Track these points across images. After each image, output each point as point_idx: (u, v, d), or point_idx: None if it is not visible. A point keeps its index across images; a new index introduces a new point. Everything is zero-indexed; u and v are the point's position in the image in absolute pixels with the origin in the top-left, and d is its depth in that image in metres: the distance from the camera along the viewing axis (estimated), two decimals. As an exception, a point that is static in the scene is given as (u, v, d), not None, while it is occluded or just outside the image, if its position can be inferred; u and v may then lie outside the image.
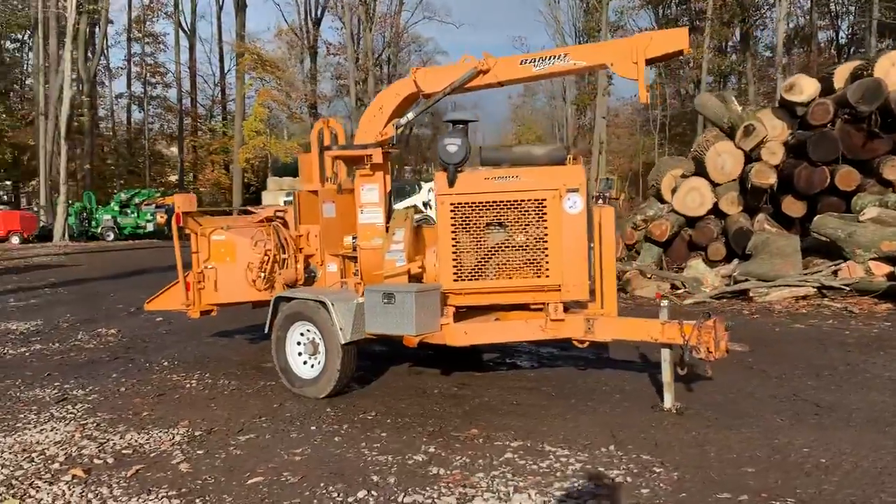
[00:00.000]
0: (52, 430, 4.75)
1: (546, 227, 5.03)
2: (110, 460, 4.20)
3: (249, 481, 3.83)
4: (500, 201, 5.05)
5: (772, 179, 10.59)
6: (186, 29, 55.80)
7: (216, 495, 3.66)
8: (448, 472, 3.84)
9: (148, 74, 58.87)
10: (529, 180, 5.07)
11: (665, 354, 4.87)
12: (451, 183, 5.07)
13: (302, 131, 42.00)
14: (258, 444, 4.43)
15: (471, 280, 5.12)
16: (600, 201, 31.14)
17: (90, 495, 3.71)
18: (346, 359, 5.21)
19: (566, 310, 5.23)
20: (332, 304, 5.15)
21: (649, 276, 10.56)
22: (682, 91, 50.27)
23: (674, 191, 11.78)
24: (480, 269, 5.10)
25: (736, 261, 10.58)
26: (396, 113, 5.53)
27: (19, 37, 51.64)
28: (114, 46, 56.70)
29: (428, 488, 3.64)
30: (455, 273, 5.11)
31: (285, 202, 7.68)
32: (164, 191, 46.21)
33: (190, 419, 4.94)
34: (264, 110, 38.72)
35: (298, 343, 5.48)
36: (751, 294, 9.28)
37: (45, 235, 29.38)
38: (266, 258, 6.04)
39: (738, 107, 12.37)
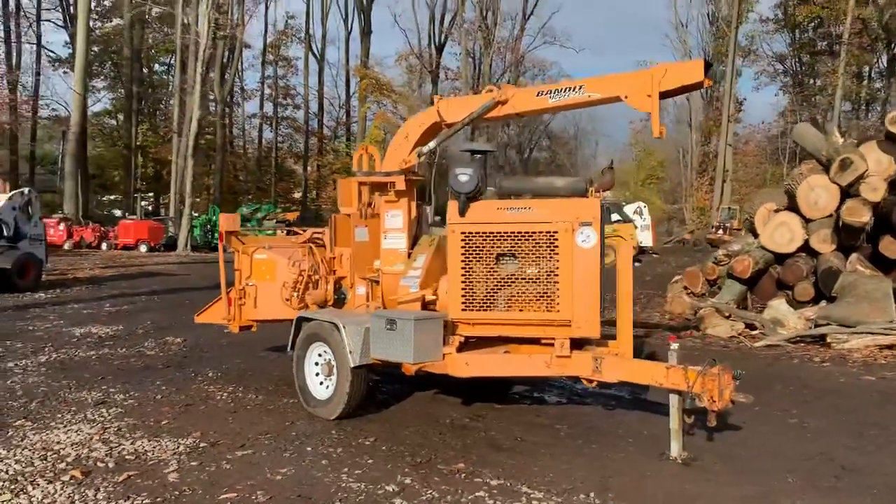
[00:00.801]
0: (76, 432, 5.07)
1: (557, 261, 4.92)
2: (112, 465, 4.44)
3: (221, 496, 3.95)
4: (512, 232, 4.99)
5: (865, 217, 9.83)
6: (317, 54, 58.44)
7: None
8: (411, 506, 3.81)
9: (279, 96, 62.21)
10: (542, 212, 4.98)
11: (673, 400, 4.63)
12: (462, 212, 5.06)
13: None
14: (251, 460, 4.55)
15: (480, 310, 5.07)
16: (720, 231, 29.93)
17: (76, 496, 3.94)
18: (355, 382, 5.27)
19: (581, 347, 5.09)
20: (344, 327, 5.23)
21: (727, 314, 10.04)
22: (818, 118, 47.71)
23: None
24: (490, 299, 5.05)
25: (823, 303, 9.88)
26: (421, 141, 5.58)
27: (166, 60, 55.57)
28: (248, 69, 59.92)
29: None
30: (464, 302, 5.07)
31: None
32: (286, 206, 48.43)
33: (203, 430, 5.14)
34: (380, 132, 39.81)
35: (316, 363, 5.59)
36: (828, 340, 8.63)
37: (171, 245, 31.37)
38: (300, 278, 6.22)
39: (838, 138, 11.58)
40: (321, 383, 5.56)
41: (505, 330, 5.14)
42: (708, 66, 4.62)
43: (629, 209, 26.06)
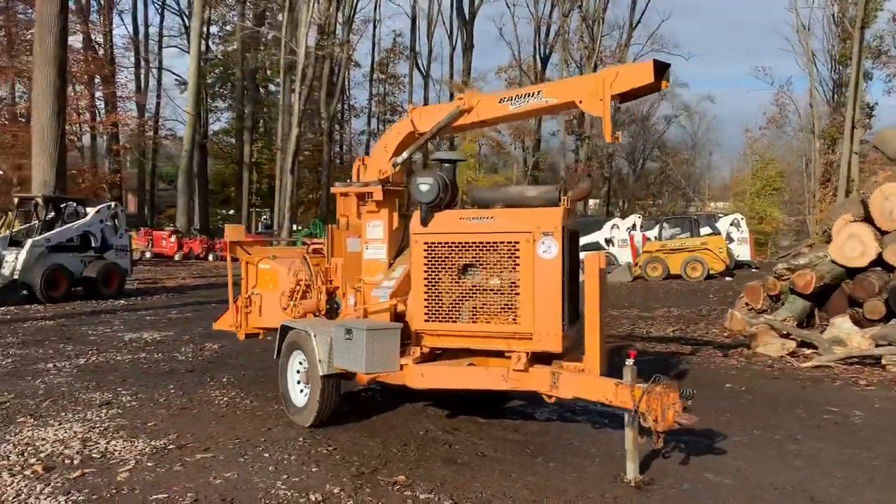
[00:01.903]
0: (66, 430, 5.37)
1: (518, 272, 4.78)
2: (77, 462, 4.67)
3: (153, 496, 4.07)
4: (474, 242, 4.90)
5: (939, 229, 8.97)
6: (422, 70, 59.45)
7: (111, 505, 3.94)
8: (317, 515, 3.80)
9: (386, 112, 63.87)
10: (504, 222, 4.87)
11: (626, 419, 4.38)
12: (424, 222, 5.01)
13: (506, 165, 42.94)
14: (204, 463, 4.66)
15: (443, 321, 4.99)
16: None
17: (24, 489, 4.18)
18: (325, 390, 5.31)
19: (550, 361, 4.92)
20: (315, 336, 5.28)
21: (784, 332, 9.40)
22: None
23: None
24: (453, 311, 4.96)
25: (894, 321, 9.06)
26: (398, 151, 5.58)
27: (279, 80, 58.11)
28: (356, 88, 61.65)
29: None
30: (426, 313, 5.01)
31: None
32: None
33: (181, 433, 5.32)
34: (473, 145, 40.04)
35: (298, 371, 5.67)
36: (884, 362, 7.91)
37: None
38: (297, 287, 6.33)
39: (921, 143, 10.65)
40: (301, 391, 5.64)
41: (469, 342, 5.03)
42: (661, 66, 4.36)
43: (725, 221, 24.90)
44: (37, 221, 14.48)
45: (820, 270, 10.09)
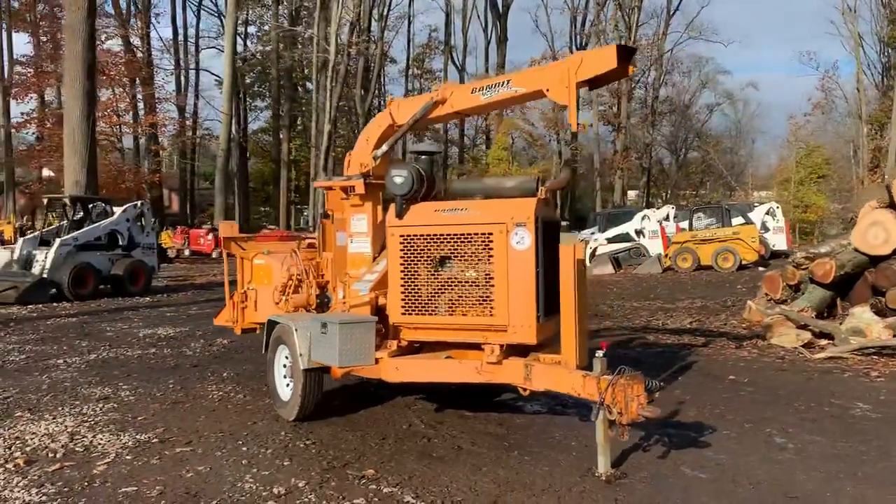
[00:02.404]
0: (58, 424, 5.48)
1: (492, 263, 4.73)
2: (59, 455, 4.77)
3: (123, 489, 4.13)
4: (449, 234, 4.86)
5: (962, 214, 8.61)
6: (458, 64, 59.33)
7: (81, 498, 4.00)
8: (276, 508, 3.81)
9: None
10: (477, 213, 4.81)
11: (593, 412, 4.30)
12: (399, 215, 4.98)
13: (543, 158, 42.60)
14: (182, 457, 4.71)
15: (420, 314, 4.96)
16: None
17: (1, 481, 4.27)
18: (307, 384, 5.31)
19: (527, 354, 4.85)
20: (296, 330, 5.30)
21: (802, 323, 9.13)
22: None
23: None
24: (430, 303, 4.93)
25: (916, 311, 8.74)
26: (379, 144, 5.54)
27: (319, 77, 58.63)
28: (391, 84, 61.83)
29: (238, 520, 3.65)
30: (403, 306, 4.99)
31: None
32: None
33: (167, 427, 5.39)
34: (506, 138, 39.79)
35: (284, 366, 5.70)
36: (899, 352, 7.64)
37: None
38: (289, 282, 6.36)
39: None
40: (287, 385, 5.66)
41: (447, 335, 4.99)
42: (627, 51, 4.24)
43: (760, 210, 24.35)
44: (65, 221, 14.84)
45: (840, 259, 9.79)
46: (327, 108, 32.02)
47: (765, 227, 23.53)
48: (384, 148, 5.43)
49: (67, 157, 17.00)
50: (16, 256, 14.02)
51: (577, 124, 4.31)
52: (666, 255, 21.62)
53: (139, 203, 16.14)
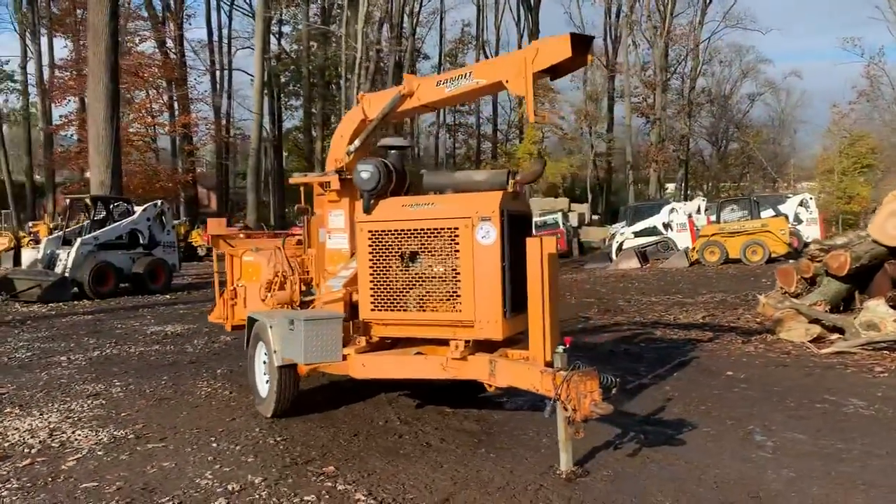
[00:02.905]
0: (42, 420, 5.57)
1: (458, 259, 4.67)
2: (35, 451, 4.84)
3: (84, 485, 4.17)
4: (416, 229, 4.81)
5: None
6: (490, 57, 59.05)
7: (41, 493, 4.05)
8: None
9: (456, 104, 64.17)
10: (444, 208, 4.76)
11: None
12: (367, 210, 4.95)
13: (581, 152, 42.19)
14: (151, 452, 4.75)
15: (389, 311, 4.93)
16: None
17: (-30, 477, 4.34)
18: (282, 381, 5.31)
19: (495, 350, 4.79)
20: (271, 327, 5.30)
21: (813, 317, 8.87)
22: None
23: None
24: (399, 299, 4.89)
25: (934, 304, 8.42)
26: (353, 139, 5.51)
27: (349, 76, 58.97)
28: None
29: (183, 517, 3.65)
30: (373, 302, 4.96)
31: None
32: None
33: (146, 423, 5.45)
34: (536, 132, 39.50)
35: (264, 362, 5.71)
36: (910, 347, 7.35)
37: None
38: (275, 279, 6.37)
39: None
40: (266, 381, 5.66)
41: (416, 331, 4.95)
42: (582, 39, 4.13)
43: (793, 202, 23.76)
44: (87, 221, 15.15)
45: (857, 251, 9.47)
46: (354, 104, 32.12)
47: (798, 219, 22.96)
48: (356, 143, 5.39)
49: (92, 157, 17.36)
50: (40, 256, 14.37)
51: (535, 115, 4.21)
52: (693, 249, 21.24)
53: (159, 202, 16.38)
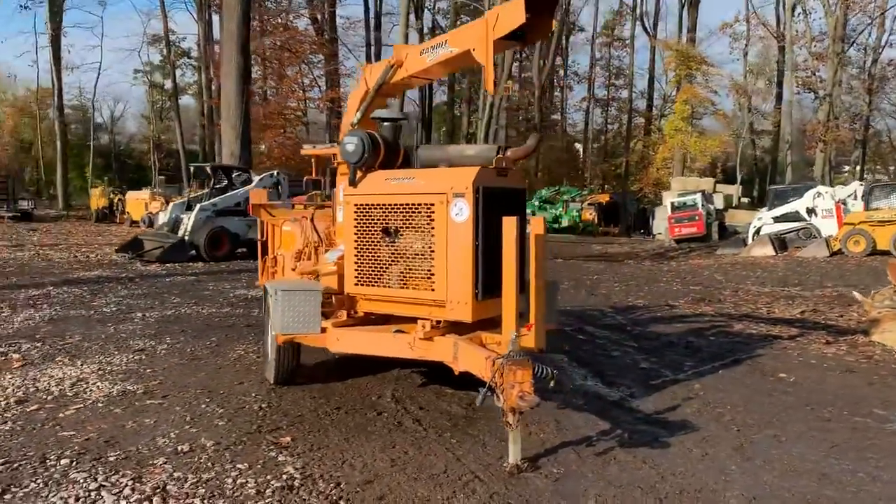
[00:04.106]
0: (78, 370, 6.00)
1: (433, 236, 4.52)
2: (51, 397, 5.23)
3: (62, 433, 4.45)
4: (396, 204, 4.70)
5: None
6: (649, 30, 56.59)
7: (21, 437, 4.37)
8: (154, 464, 3.93)
9: (611, 77, 62.64)
10: (423, 183, 4.62)
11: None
12: (353, 183, 4.88)
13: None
14: (143, 409, 4.98)
15: (371, 286, 4.86)
16: None
17: (-21, 417, 4.77)
18: (281, 350, 5.40)
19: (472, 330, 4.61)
20: (271, 296, 5.38)
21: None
22: None
23: None
24: (380, 274, 4.81)
25: None
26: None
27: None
28: (577, 53, 60.76)
29: (115, 471, 3.81)
30: (356, 277, 4.92)
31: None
32: (591, 188, 48.20)
33: (163, 380, 5.73)
34: (686, 108, 37.44)
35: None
36: None
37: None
38: (305, 248, 6.48)
39: None
40: (270, 349, 5.78)
41: (395, 308, 4.85)
42: (545, 3, 3.78)
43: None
44: (207, 189, 16.17)
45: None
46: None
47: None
48: (357, 115, 5.32)
49: (224, 129, 18.47)
50: (166, 220, 15.52)
51: (494, 86, 3.94)
52: (835, 238, 19.42)
53: (275, 172, 17.14)
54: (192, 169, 17.67)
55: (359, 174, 4.87)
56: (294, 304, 4.79)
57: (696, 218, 28.97)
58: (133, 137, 68.60)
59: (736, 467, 4.02)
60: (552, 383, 3.83)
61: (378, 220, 4.78)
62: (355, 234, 4.88)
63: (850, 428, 4.75)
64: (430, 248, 4.54)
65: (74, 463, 3.93)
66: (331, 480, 3.75)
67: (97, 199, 31.90)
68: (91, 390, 5.42)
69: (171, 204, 16.24)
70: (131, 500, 3.47)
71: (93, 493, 3.53)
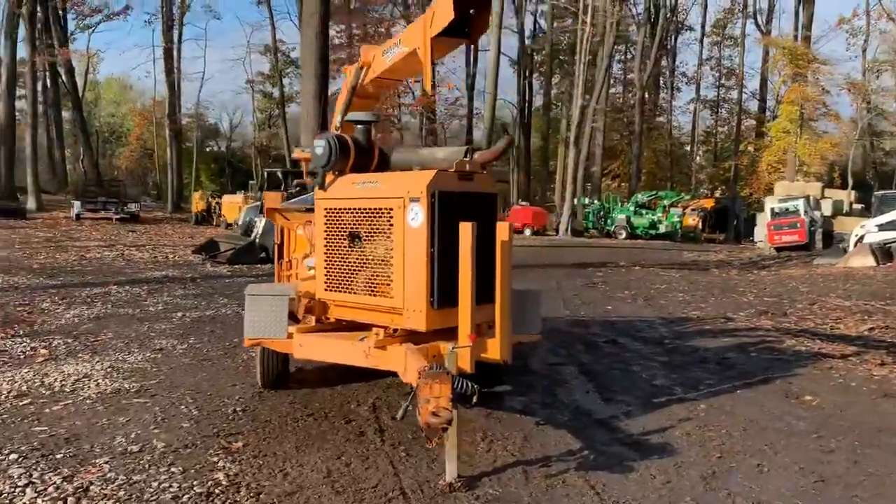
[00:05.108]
0: (90, 366, 6.22)
1: (391, 241, 4.40)
2: (49, 393, 5.43)
3: (34, 428, 4.60)
4: (361, 209, 4.61)
5: None
6: (761, 27, 54.12)
7: (3, 431, 4.54)
8: (94, 463, 3.98)
9: (721, 77, 60.52)
10: (384, 187, 4.51)
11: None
12: (321, 186, 4.82)
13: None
14: (125, 407, 5.09)
15: (339, 292, 4.78)
16: None
17: (-27, 409, 5.01)
18: (263, 354, 5.41)
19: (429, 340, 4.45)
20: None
21: None
22: None
23: None
24: (347, 281, 4.72)
25: None
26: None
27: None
28: (685, 52, 59.08)
29: (53, 469, 3.88)
30: (326, 282, 4.84)
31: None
32: (694, 193, 46.41)
33: (162, 380, 5.85)
34: (794, 109, 35.40)
35: (266, 334, 5.84)
36: None
37: (556, 229, 33.10)
38: (310, 252, 6.49)
39: None
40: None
41: (362, 315, 4.74)
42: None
43: None
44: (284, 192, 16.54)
45: None
46: (580, 81, 31.37)
47: None
48: (338, 118, 5.25)
49: (302, 133, 18.89)
50: (240, 222, 16.02)
51: (432, 86, 3.77)
52: (942, 249, 17.83)
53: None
54: (265, 173, 18.17)
55: (328, 178, 4.80)
56: (259, 308, 4.78)
57: (798, 225, 27.39)
58: (246, 143, 71.84)
59: (691, 499, 3.67)
60: (475, 399, 3.61)
61: (346, 224, 4.69)
62: (325, 238, 4.81)
63: (852, 460, 4.26)
64: (390, 253, 4.42)
65: (21, 458, 4.04)
66: (253, 490, 3.68)
67: (197, 202, 33.49)
68: (89, 387, 5.59)
69: (245, 207, 16.76)
70: (48, 498, 3.52)
71: (17, 490, 3.61)
